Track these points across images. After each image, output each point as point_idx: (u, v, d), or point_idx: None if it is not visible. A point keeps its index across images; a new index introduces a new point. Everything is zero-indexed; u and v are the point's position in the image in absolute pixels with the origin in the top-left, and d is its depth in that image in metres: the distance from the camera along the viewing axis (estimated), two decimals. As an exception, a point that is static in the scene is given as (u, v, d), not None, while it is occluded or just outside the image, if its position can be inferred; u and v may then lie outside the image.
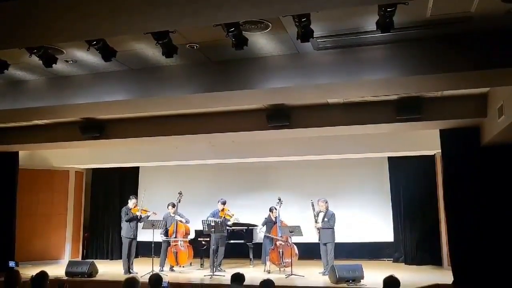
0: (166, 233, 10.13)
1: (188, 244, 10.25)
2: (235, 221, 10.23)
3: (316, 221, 9.48)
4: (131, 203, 10.04)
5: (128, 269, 9.66)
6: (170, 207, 10.22)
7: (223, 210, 10.01)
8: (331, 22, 5.23)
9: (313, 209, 9.54)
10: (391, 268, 10.16)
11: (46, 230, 12.02)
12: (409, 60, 5.75)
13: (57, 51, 5.92)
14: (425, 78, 5.84)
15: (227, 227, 10.19)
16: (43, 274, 5.41)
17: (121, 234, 10.02)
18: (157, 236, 9.95)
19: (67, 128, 9.52)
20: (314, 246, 9.91)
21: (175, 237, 10.05)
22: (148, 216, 9.99)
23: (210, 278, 8.93)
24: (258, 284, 5.29)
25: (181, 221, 10.14)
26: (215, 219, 9.63)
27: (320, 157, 10.85)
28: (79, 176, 12.88)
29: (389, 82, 6.04)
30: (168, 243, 10.11)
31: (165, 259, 10.12)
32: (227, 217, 9.99)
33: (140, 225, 10.04)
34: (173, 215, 10.17)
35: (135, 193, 11.58)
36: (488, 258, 7.68)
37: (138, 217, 9.87)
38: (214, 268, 9.46)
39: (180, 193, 10.22)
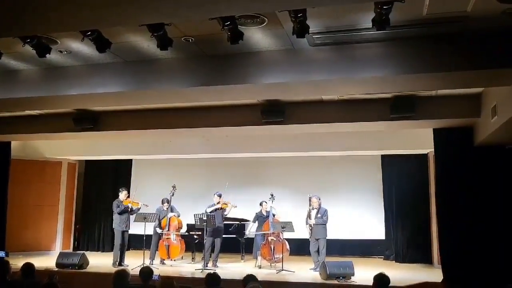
0: (159, 226, 10.13)
1: (180, 238, 10.26)
2: (233, 208, 10.06)
3: (309, 217, 9.50)
4: (122, 195, 10.01)
5: (120, 262, 9.62)
6: (165, 203, 10.20)
7: (219, 202, 9.98)
8: (327, 18, 5.23)
9: (310, 204, 9.56)
10: (381, 265, 10.23)
11: (37, 221, 11.96)
12: (404, 59, 5.77)
13: (51, 41, 5.89)
14: (420, 76, 5.86)
15: (224, 218, 10.11)
16: (29, 266, 5.44)
17: (113, 226, 9.99)
18: (148, 229, 9.92)
19: (60, 119, 9.48)
20: (306, 242, 9.93)
21: (168, 230, 10.06)
22: (139, 209, 9.96)
23: (201, 272, 8.93)
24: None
25: (174, 215, 10.16)
26: (207, 212, 9.59)
27: (314, 153, 10.87)
28: (72, 167, 12.81)
29: (384, 80, 6.05)
30: (160, 236, 10.11)
31: (155, 252, 10.12)
32: (223, 207, 9.95)
33: (132, 217, 10.02)
34: (166, 209, 10.15)
35: (127, 186, 11.55)
36: (477, 257, 7.73)
37: (129, 209, 9.85)
38: (211, 262, 9.54)
39: (173, 187, 10.18)
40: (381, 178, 11.66)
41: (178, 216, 10.25)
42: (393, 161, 11.42)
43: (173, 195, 10.18)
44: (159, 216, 10.03)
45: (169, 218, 10.11)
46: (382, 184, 11.64)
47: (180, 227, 10.26)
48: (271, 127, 8.58)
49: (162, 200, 10.27)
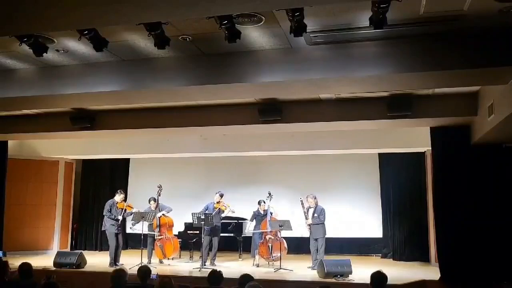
0: (149, 227, 10.08)
1: (173, 236, 10.26)
2: (231, 213, 10.04)
3: (306, 218, 9.51)
4: (118, 198, 9.83)
5: (114, 262, 9.55)
6: (152, 202, 10.15)
7: (219, 202, 9.93)
8: (325, 17, 5.23)
9: (302, 207, 9.56)
10: (379, 263, 10.25)
11: (35, 220, 11.94)
12: (401, 57, 5.77)
13: (47, 40, 5.86)
14: (417, 75, 5.87)
15: (221, 219, 10.11)
16: (26, 266, 5.43)
17: (104, 228, 9.78)
18: (145, 228, 9.91)
19: (57, 118, 9.46)
20: (303, 240, 9.95)
21: (159, 231, 10.06)
22: (132, 213, 9.85)
23: (199, 271, 8.94)
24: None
25: (163, 214, 10.14)
26: (205, 211, 9.58)
27: (311, 152, 10.87)
28: (69, 166, 12.79)
29: (381, 78, 6.06)
30: (153, 237, 10.09)
31: (152, 252, 10.11)
32: (222, 208, 9.94)
33: (128, 218, 9.97)
34: (154, 209, 10.05)
35: (125, 185, 11.50)
36: (474, 255, 7.76)
37: (117, 225, 9.60)
38: (209, 261, 9.56)
39: (159, 187, 10.09)
40: (378, 176, 11.69)
41: (168, 211, 10.20)
42: (391, 159, 11.44)
43: (159, 195, 10.07)
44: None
45: (158, 218, 10.08)
46: (379, 183, 11.67)
47: (171, 225, 10.25)
48: (269, 126, 8.58)
49: (149, 199, 10.19)
